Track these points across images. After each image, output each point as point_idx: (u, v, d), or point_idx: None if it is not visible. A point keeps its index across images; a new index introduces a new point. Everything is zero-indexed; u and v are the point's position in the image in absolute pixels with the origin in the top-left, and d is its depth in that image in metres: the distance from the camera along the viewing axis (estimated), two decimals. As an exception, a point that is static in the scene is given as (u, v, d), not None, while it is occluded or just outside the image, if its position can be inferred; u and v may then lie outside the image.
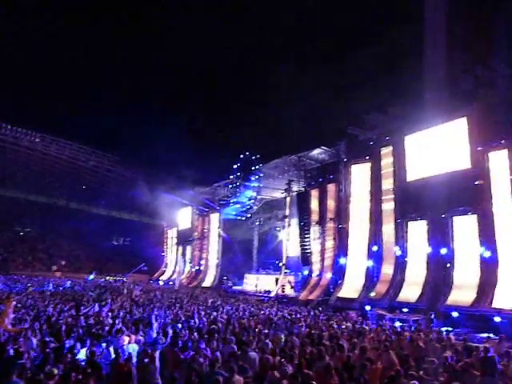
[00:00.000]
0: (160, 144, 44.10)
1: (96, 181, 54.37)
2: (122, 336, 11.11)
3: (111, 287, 34.94)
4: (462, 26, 20.92)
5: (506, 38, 18.85)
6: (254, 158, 36.65)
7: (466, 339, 13.15)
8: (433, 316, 18.38)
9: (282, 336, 12.98)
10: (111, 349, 10.10)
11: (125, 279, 47.50)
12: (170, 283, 46.52)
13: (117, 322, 14.43)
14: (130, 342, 10.70)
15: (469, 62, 20.38)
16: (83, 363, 8.91)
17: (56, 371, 7.55)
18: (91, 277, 45.61)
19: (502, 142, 20.05)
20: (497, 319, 17.76)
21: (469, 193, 21.08)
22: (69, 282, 37.49)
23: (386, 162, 26.16)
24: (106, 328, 12.90)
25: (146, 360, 9.09)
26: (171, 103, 48.00)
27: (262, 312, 20.69)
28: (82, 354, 9.77)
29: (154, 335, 12.58)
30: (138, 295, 27.55)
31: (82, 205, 63.83)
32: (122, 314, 17.37)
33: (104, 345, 10.33)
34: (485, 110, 20.36)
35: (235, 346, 10.68)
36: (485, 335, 16.15)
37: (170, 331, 13.17)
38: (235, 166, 37.99)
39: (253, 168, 36.38)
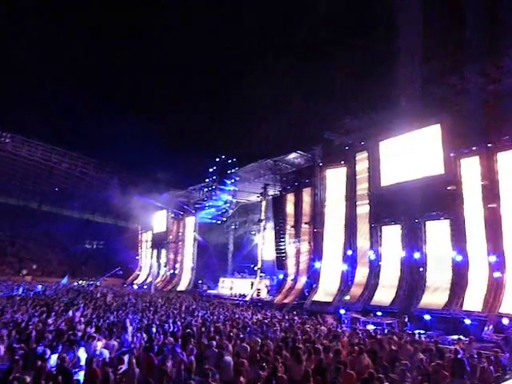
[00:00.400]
0: (135, 147, 43.70)
1: (69, 183, 53.36)
2: (95, 341, 10.91)
3: (84, 291, 34.31)
4: (437, 36, 21.32)
5: (477, 47, 19.30)
6: (229, 161, 36.57)
7: (437, 341, 13.33)
8: (406, 319, 18.61)
9: (258, 340, 12.94)
10: (83, 355, 9.90)
11: (98, 283, 46.74)
12: (145, 287, 46.02)
13: (89, 327, 14.20)
14: (103, 348, 10.52)
15: (443, 70, 20.76)
16: (54, 370, 8.70)
17: (28, 379, 7.37)
18: (64, 281, 44.69)
19: (474, 148, 20.51)
20: (467, 321, 18.16)
21: (441, 198, 21.53)
22: (40, 287, 36.60)
23: (361, 166, 26.44)
24: (79, 333, 12.64)
25: (125, 366, 8.96)
26: (146, 105, 47.50)
27: (237, 316, 20.63)
28: (52, 361, 9.54)
29: (129, 340, 12.41)
30: (112, 299, 27.12)
31: (54, 207, 62.58)
32: (95, 318, 17.10)
33: (76, 350, 10.11)
34: (457, 117, 20.79)
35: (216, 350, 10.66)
36: (455, 337, 16.43)
37: (145, 336, 13.03)
38: (211, 170, 37.84)
39: (229, 171, 36.29)
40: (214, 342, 11.54)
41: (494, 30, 19.04)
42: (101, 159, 43.60)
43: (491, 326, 17.52)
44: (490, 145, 19.85)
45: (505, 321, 17.22)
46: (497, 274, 18.77)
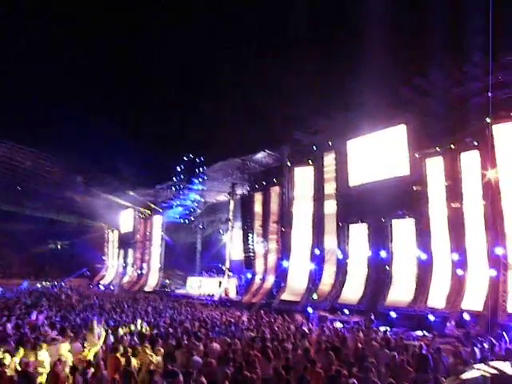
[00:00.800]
0: (101, 145, 42.88)
1: (32, 182, 51.84)
2: (59, 344, 10.63)
3: (48, 293, 33.43)
4: (404, 38, 21.75)
5: (442, 50, 19.76)
6: (197, 160, 36.33)
7: (401, 338, 13.59)
8: (372, 317, 18.90)
9: (226, 339, 12.89)
10: (47, 358, 9.62)
11: (63, 284, 45.69)
12: (111, 287, 45.26)
13: (53, 329, 13.84)
14: (68, 350, 10.26)
15: (409, 72, 21.17)
16: (15, 375, 8.43)
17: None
18: (25, 284, 43.47)
19: (438, 149, 21.00)
20: (431, 318, 18.63)
21: (407, 198, 22.01)
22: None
23: (329, 166, 26.69)
24: (42, 336, 12.30)
25: (92, 369, 8.76)
26: (113, 103, 46.72)
27: (206, 316, 20.52)
28: (13, 365, 9.22)
29: (95, 341, 12.14)
30: (77, 300, 26.56)
31: (15, 207, 60.64)
32: (59, 320, 16.70)
33: (39, 353, 9.82)
34: (423, 118, 21.26)
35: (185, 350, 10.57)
36: (420, 333, 16.82)
37: (111, 337, 12.80)
38: (179, 169, 37.50)
39: (196, 170, 36.06)
40: (183, 342, 11.47)
41: (460, 35, 19.52)
42: (65, 157, 42.46)
43: (453, 322, 18.03)
44: (453, 146, 20.36)
45: (466, 316, 17.73)
46: (459, 272, 19.31)
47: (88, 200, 45.48)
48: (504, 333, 14.42)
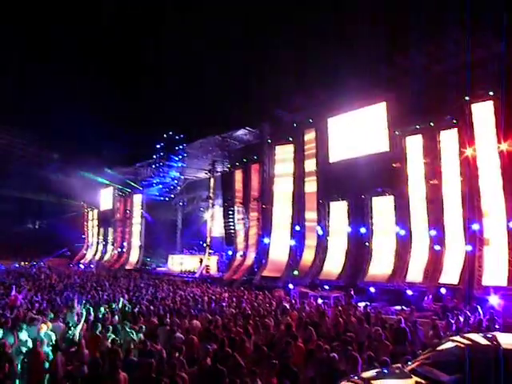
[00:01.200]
0: (79, 122, 41.92)
1: (7, 160, 50.64)
2: (39, 324, 10.55)
3: (27, 273, 33.09)
4: (384, 16, 21.62)
5: (422, 28, 19.71)
6: (177, 137, 35.95)
7: (380, 312, 13.87)
8: (352, 292, 19.20)
9: (208, 316, 12.98)
10: (26, 338, 9.55)
11: (42, 264, 45.22)
12: (92, 266, 45.00)
13: (33, 309, 13.75)
14: (50, 330, 10.19)
15: (389, 50, 21.13)
16: None
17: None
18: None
19: (417, 127, 21.17)
20: (409, 292, 19.06)
21: (387, 175, 22.18)
22: None
23: (310, 143, 26.68)
24: (21, 316, 12.19)
25: (74, 348, 8.74)
26: (90, 79, 45.55)
27: (187, 293, 20.59)
28: None
29: (75, 320, 12.10)
30: (56, 280, 26.36)
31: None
32: (39, 300, 16.57)
33: (18, 334, 9.74)
34: (403, 96, 21.32)
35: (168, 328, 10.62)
36: (398, 307, 17.18)
37: (92, 315, 12.78)
38: (158, 146, 37.08)
39: (176, 148, 35.72)
40: (166, 320, 11.51)
41: (440, 12, 19.49)
42: (40, 135, 41.54)
43: (431, 296, 18.52)
44: (432, 124, 20.55)
45: (443, 290, 18.23)
46: (437, 248, 19.76)
47: (65, 178, 44.73)
48: (478, 306, 14.82)
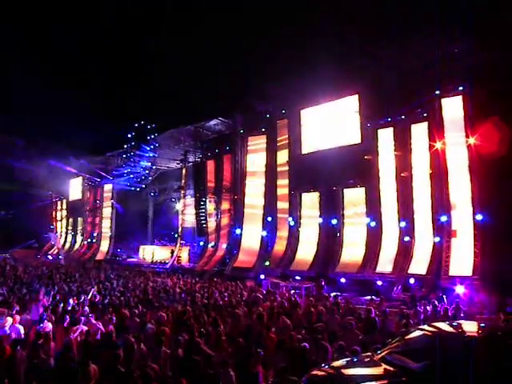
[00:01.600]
0: (47, 110, 40.82)
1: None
2: (4, 317, 10.28)
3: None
4: (358, 6, 21.68)
5: (396, 22, 19.88)
6: (149, 127, 35.43)
7: (348, 301, 14.09)
8: (323, 282, 19.41)
9: (178, 307, 12.92)
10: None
11: (7, 255, 44.05)
12: (60, 257, 44.14)
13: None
14: (18, 323, 9.96)
15: (362, 40, 21.24)
16: None
17: None
18: None
19: (389, 119, 21.46)
20: (379, 283, 19.37)
21: (358, 167, 22.46)
22: None
23: (282, 134, 26.75)
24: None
25: (41, 340, 8.54)
26: (60, 65, 44.42)
27: (158, 284, 20.46)
28: None
29: (40, 312, 11.86)
30: (23, 272, 25.75)
31: None
32: (3, 292, 16.16)
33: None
34: (375, 88, 21.54)
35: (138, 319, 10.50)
36: (368, 297, 17.47)
37: (60, 307, 12.56)
38: (129, 135, 36.49)
39: (148, 137, 35.23)
40: (136, 311, 11.41)
41: (412, 7, 19.66)
42: (3, 120, 40.04)
43: (400, 286, 18.88)
44: (404, 117, 20.85)
45: (411, 280, 18.64)
46: (406, 239, 20.16)
47: (32, 167, 43.53)
48: (445, 296, 15.22)
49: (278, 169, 26.74)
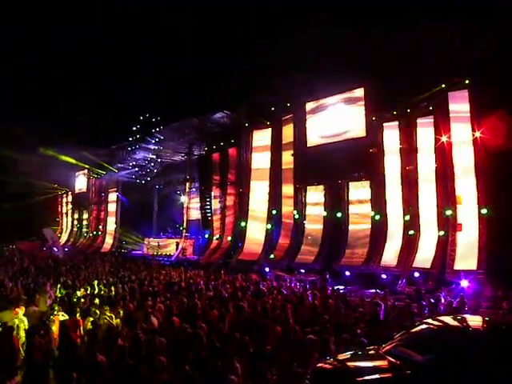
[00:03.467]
0: (54, 103, 40.92)
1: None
2: (13, 308, 10.40)
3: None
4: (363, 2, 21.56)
5: (403, 12, 19.75)
6: (154, 119, 35.43)
7: (345, 294, 14.18)
8: (327, 276, 19.47)
9: (184, 299, 12.99)
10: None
11: (13, 247, 44.36)
12: (66, 249, 44.37)
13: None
14: (23, 315, 10.08)
15: (368, 34, 21.10)
16: None
17: None
18: None
19: (394, 113, 21.39)
20: (383, 276, 19.35)
21: (363, 160, 22.43)
22: None
23: (287, 127, 26.72)
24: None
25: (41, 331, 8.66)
26: (66, 59, 44.39)
27: (163, 276, 20.56)
28: None
29: (48, 303, 11.99)
30: (29, 263, 25.96)
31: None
32: (11, 284, 16.32)
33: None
34: (380, 81, 21.45)
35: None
36: (372, 291, 17.50)
37: (67, 299, 12.68)
38: (134, 128, 36.53)
39: (153, 130, 35.24)
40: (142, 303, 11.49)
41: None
42: (10, 112, 40.08)
43: (404, 280, 18.90)
44: (409, 110, 20.78)
45: (416, 274, 18.60)
46: (411, 232, 20.14)
47: (37, 159, 43.60)
48: (450, 289, 15.24)
49: (283, 162, 26.74)
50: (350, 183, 23.66)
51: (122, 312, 10.74)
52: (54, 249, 46.41)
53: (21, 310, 10.19)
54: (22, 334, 9.32)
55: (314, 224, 24.86)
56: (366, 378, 5.92)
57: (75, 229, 50.86)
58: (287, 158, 26.52)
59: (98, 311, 10.52)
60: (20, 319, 9.72)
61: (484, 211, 17.60)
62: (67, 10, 42.89)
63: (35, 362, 7.71)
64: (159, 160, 39.48)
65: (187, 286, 16.47)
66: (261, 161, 28.09)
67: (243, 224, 28.22)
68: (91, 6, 41.84)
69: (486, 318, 7.92)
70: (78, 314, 10.09)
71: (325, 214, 24.28)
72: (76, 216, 51.32)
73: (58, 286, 15.60)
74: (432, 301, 13.01)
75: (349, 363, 6.56)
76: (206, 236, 32.44)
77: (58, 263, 26.48)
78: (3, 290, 14.66)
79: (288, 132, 26.63)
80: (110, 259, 31.47)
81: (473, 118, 18.12)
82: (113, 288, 15.39)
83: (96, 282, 16.22)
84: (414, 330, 7.23)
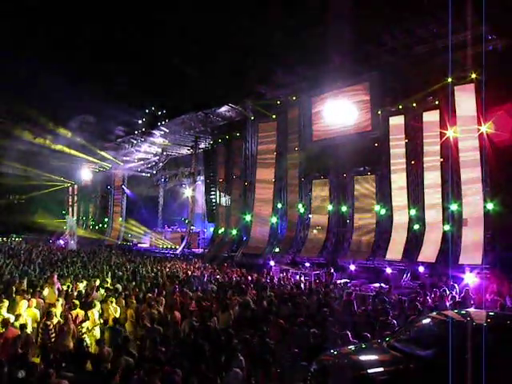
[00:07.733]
0: (59, 97, 40.85)
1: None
2: (20, 300, 10.52)
3: (4, 249, 32.51)
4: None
5: (409, 5, 19.59)
6: (159, 113, 35.50)
7: (345, 287, 14.22)
8: (332, 270, 19.51)
9: (189, 293, 13.09)
10: (5, 315, 9.52)
11: (20, 240, 44.63)
12: (72, 242, 44.59)
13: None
14: (34, 307, 10.20)
15: (374, 27, 20.98)
16: None
17: None
18: None
19: (400, 107, 21.31)
20: (388, 270, 19.38)
21: (369, 154, 22.42)
22: None
23: (293, 121, 26.66)
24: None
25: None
26: (73, 50, 44.31)
27: (168, 269, 20.69)
28: None
29: (55, 296, 12.10)
30: (36, 255, 26.13)
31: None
32: (17, 276, 16.45)
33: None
34: (386, 75, 21.38)
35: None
36: (377, 285, 17.54)
37: (73, 291, 12.80)
38: (140, 121, 36.62)
39: (158, 123, 35.30)
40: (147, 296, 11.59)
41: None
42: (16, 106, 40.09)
43: (409, 274, 18.93)
44: (415, 104, 20.69)
45: (421, 269, 18.63)
46: (416, 226, 20.14)
47: (43, 152, 43.72)
48: (455, 284, 15.24)
49: (289, 155, 26.72)
50: (356, 177, 23.61)
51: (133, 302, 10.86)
52: (60, 241, 46.80)
53: (28, 302, 10.31)
54: (34, 325, 9.47)
55: (319, 218, 24.84)
56: (370, 371, 5.96)
57: (81, 221, 51.05)
58: (293, 151, 26.49)
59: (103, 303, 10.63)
60: (30, 311, 9.87)
61: (490, 206, 17.57)
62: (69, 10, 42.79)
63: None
64: (165, 153, 39.58)
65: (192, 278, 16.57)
66: (266, 154, 28.08)
67: (248, 217, 28.27)
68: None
69: (490, 313, 7.94)
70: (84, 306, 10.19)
71: (330, 207, 24.28)
72: (82, 209, 51.48)
73: (65, 277, 15.71)
74: (437, 295, 13.03)
75: (352, 356, 6.62)
76: (212, 229, 32.53)
77: (64, 255, 26.63)
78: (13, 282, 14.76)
79: (294, 125, 26.58)
80: (115, 252, 31.63)
81: (479, 112, 18.02)
82: (118, 281, 15.53)
83: (105, 273, 16.35)
84: (417, 323, 7.28)
